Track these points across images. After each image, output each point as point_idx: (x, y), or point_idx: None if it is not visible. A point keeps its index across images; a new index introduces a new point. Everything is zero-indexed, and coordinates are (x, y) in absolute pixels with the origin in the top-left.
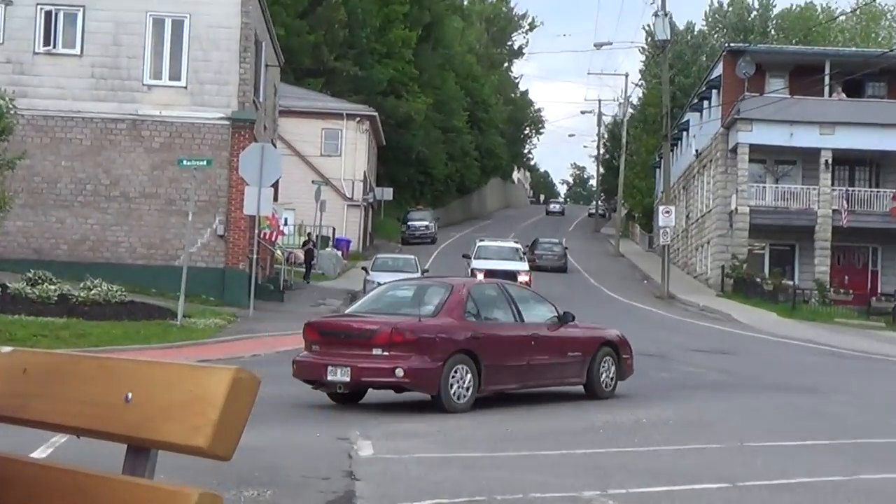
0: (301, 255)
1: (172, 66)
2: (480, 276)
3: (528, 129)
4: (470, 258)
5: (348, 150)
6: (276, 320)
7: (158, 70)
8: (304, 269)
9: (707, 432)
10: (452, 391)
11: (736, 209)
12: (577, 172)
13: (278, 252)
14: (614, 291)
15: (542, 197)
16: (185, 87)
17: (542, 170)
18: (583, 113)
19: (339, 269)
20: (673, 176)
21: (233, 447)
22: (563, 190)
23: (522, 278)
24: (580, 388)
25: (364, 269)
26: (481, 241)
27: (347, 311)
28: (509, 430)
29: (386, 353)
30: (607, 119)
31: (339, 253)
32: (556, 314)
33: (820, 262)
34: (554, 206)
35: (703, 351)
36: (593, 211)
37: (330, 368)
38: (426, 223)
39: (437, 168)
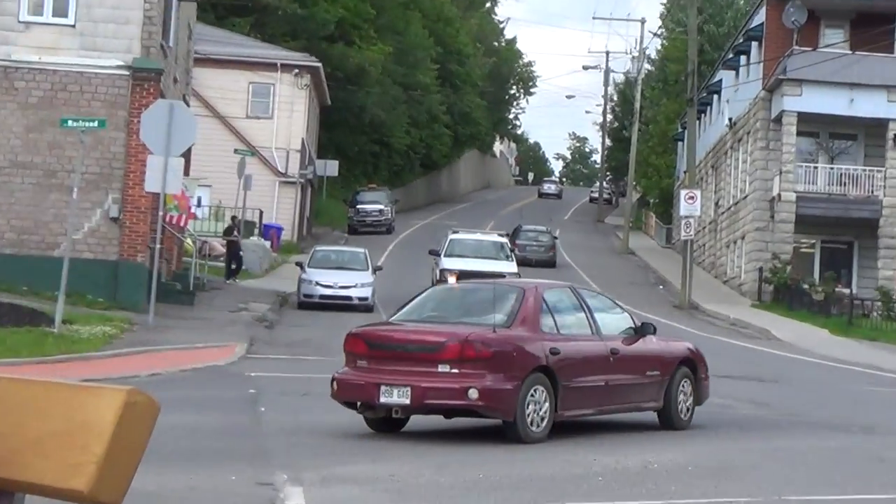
0: (220, 246)
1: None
2: (452, 280)
3: (514, 88)
4: (439, 255)
5: (282, 112)
6: (183, 329)
7: (39, 3)
8: (224, 265)
9: (737, 482)
10: (529, 417)
11: (779, 195)
12: (577, 145)
13: (189, 241)
14: (620, 297)
15: (530, 175)
16: (73, 27)
17: (531, 141)
18: (586, 69)
19: (266, 265)
20: (699, 152)
21: (122, 491)
22: (557, 167)
23: None
24: (631, 416)
25: (299, 264)
26: (454, 232)
27: (391, 318)
28: (482, 474)
29: (455, 371)
30: (617, 77)
31: (268, 243)
32: (633, 324)
33: (885, 265)
34: (548, 187)
35: (734, 377)
36: (596, 195)
37: (384, 388)
38: (381, 207)
39: (397, 136)
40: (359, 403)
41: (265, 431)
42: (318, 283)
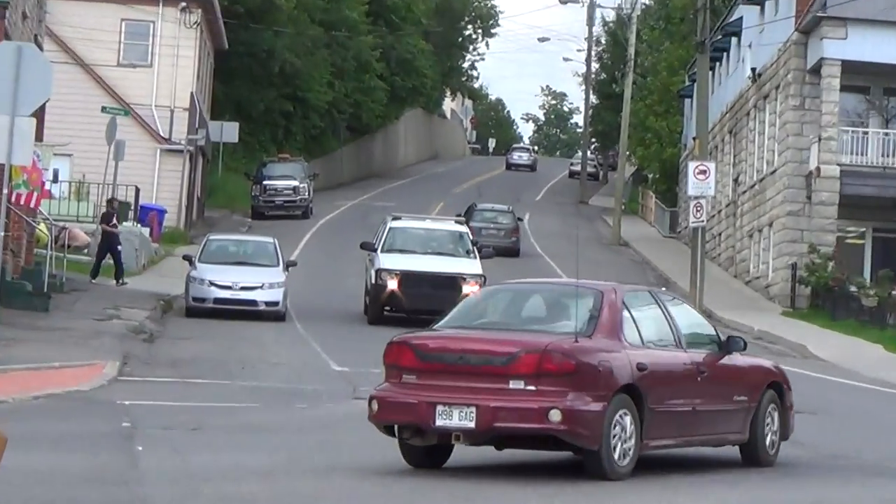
0: (84, 235)
1: None
2: (393, 284)
3: (470, 28)
4: (374, 250)
5: (165, 58)
6: (35, 343)
7: None
8: (94, 258)
9: None
10: (615, 447)
11: (818, 169)
12: (553, 103)
13: (42, 228)
14: None
15: (491, 143)
16: None
17: (492, 97)
18: (563, 3)
19: (144, 259)
20: (713, 112)
21: None
22: (527, 131)
23: (470, 288)
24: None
25: (187, 258)
26: (395, 219)
27: (435, 326)
28: None
29: (532, 388)
30: (605, 14)
31: (146, 231)
32: (716, 338)
33: None
34: (519, 157)
35: None
36: (578, 168)
37: (441, 409)
38: (295, 183)
39: (316, 91)
40: (396, 427)
41: (143, 477)
42: (212, 283)
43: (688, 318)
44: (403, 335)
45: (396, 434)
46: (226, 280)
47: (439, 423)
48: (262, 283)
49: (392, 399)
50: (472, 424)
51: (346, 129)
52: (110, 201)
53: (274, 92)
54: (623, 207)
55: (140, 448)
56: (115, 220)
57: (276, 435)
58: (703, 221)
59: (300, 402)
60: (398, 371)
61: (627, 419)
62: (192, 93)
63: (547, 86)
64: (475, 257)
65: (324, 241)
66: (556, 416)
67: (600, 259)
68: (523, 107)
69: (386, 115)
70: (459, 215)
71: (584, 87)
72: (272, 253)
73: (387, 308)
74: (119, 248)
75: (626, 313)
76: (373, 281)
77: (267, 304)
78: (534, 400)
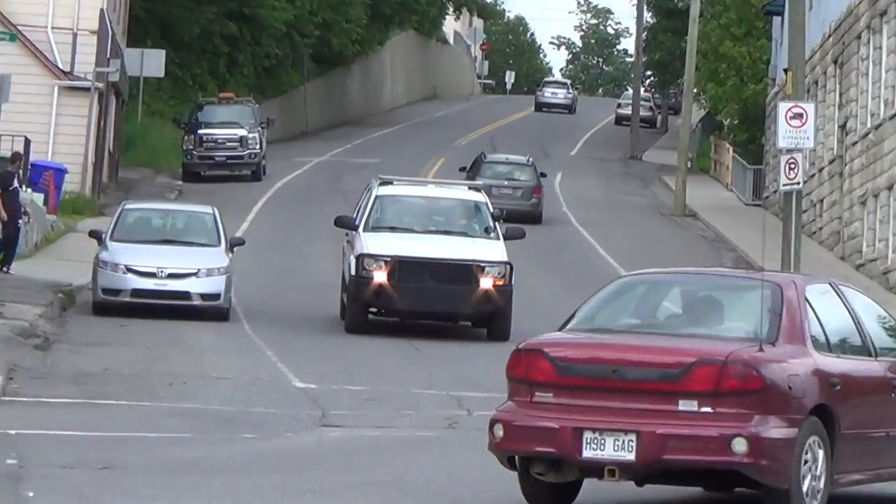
0: None
1: None
2: (381, 276)
3: None
4: (355, 228)
5: None
6: None
7: None
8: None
9: None
10: (805, 484)
11: None
12: (594, 23)
13: None
14: None
15: (509, 76)
16: None
17: (510, 15)
18: None
19: (36, 236)
20: (812, 36)
21: None
22: (559, 61)
23: (490, 281)
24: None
25: (96, 235)
26: (383, 183)
27: (568, 327)
28: None
29: (708, 410)
30: None
31: (41, 197)
32: None
33: None
34: (553, 94)
35: None
36: (628, 111)
37: (590, 436)
38: (242, 133)
39: (269, 7)
40: (516, 459)
41: None
42: (129, 270)
43: (874, 317)
44: (534, 341)
45: (518, 467)
46: (148, 265)
47: (587, 454)
48: (196, 269)
49: (523, 423)
50: (631, 456)
51: (312, 60)
52: (15, 156)
53: (213, 8)
54: (689, 165)
55: (31, 494)
56: (15, 184)
57: (215, 475)
58: (798, 184)
59: (249, 431)
60: (528, 388)
61: (817, 449)
62: (102, 10)
63: (585, 0)
64: (497, 237)
65: (282, 213)
66: (740, 445)
67: (659, 234)
68: (553, 28)
69: (366, 39)
70: (463, 169)
71: (636, 2)
72: (211, 228)
73: (372, 309)
74: (21, 222)
75: (809, 313)
76: (353, 271)
77: (204, 297)
78: (712, 425)
